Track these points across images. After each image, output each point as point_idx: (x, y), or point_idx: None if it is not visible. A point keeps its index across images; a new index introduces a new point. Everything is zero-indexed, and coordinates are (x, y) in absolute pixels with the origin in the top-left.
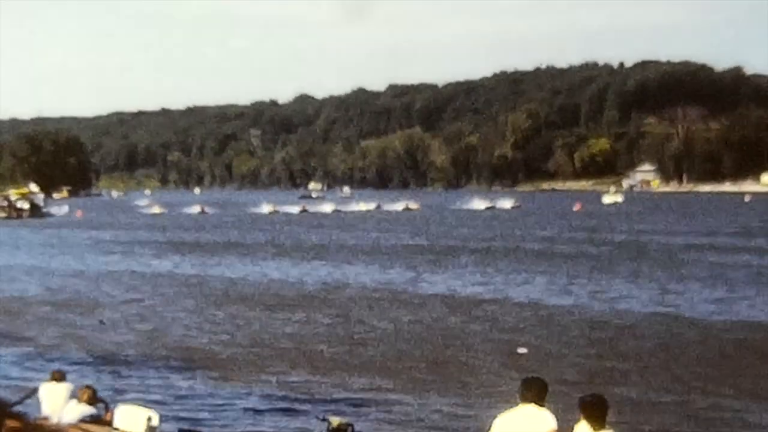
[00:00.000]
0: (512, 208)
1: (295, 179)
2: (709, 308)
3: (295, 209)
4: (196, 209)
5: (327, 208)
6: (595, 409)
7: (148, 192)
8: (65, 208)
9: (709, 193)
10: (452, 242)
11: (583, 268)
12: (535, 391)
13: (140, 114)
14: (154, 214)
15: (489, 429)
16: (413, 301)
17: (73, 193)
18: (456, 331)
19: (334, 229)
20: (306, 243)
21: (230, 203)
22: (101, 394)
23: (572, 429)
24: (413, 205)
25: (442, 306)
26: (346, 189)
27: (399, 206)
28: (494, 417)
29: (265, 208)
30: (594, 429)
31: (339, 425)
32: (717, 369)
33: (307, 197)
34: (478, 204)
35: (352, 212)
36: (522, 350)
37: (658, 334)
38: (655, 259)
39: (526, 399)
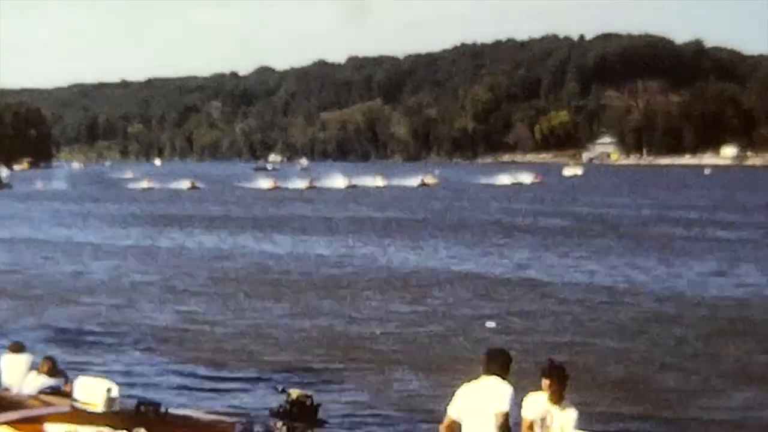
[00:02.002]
0: (532, 183)
1: (255, 151)
2: (665, 281)
3: (301, 184)
4: (185, 184)
5: (339, 183)
6: (557, 375)
7: (108, 163)
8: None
9: (669, 165)
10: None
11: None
12: (498, 364)
13: (101, 86)
14: (144, 189)
15: (451, 400)
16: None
17: (33, 165)
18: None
19: (355, 205)
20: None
21: (217, 177)
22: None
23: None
24: (430, 180)
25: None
26: (303, 161)
27: (414, 181)
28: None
29: (264, 183)
30: (552, 401)
31: (299, 397)
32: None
33: (262, 169)
34: (504, 179)
35: (366, 188)
36: (490, 324)
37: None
38: (620, 232)
39: (488, 371)
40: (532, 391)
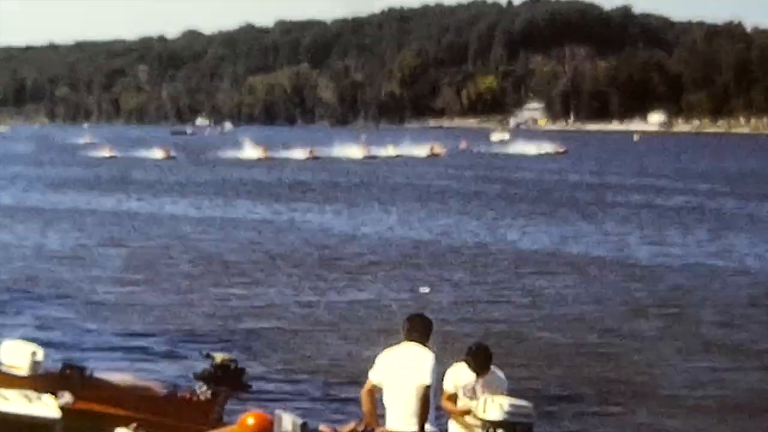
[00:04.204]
0: (557, 153)
1: (182, 115)
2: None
3: (301, 154)
4: (158, 153)
5: (355, 152)
6: (478, 355)
7: (85, 126)
8: None
9: (597, 131)
10: None
11: None
12: (419, 331)
13: (28, 49)
14: (104, 158)
15: (372, 365)
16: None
17: None
18: None
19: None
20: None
21: (189, 145)
22: None
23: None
24: (438, 149)
25: None
26: (228, 124)
27: (422, 151)
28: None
29: (253, 152)
30: (478, 374)
31: (223, 361)
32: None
33: (180, 133)
34: (528, 148)
35: (381, 159)
36: (424, 290)
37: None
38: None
39: (409, 337)
40: (455, 362)
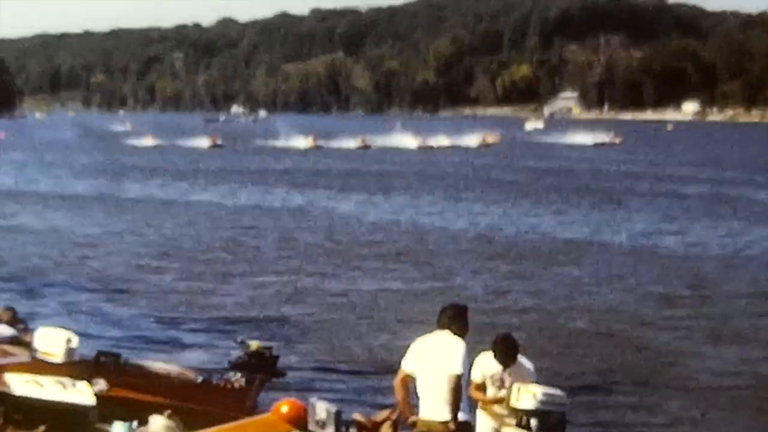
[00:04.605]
0: (613, 143)
1: (217, 102)
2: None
3: (351, 143)
4: (204, 142)
5: (410, 142)
6: (504, 347)
7: (122, 113)
8: None
9: (630, 121)
10: None
11: None
12: (451, 318)
13: (64, 36)
14: (149, 148)
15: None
16: None
17: None
18: None
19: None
20: None
21: (235, 133)
22: None
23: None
24: (491, 138)
25: None
26: (262, 112)
27: (473, 140)
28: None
29: (302, 142)
30: (505, 365)
31: (257, 348)
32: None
33: (213, 121)
34: (584, 138)
35: (437, 149)
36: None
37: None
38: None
39: (442, 325)
40: (483, 350)
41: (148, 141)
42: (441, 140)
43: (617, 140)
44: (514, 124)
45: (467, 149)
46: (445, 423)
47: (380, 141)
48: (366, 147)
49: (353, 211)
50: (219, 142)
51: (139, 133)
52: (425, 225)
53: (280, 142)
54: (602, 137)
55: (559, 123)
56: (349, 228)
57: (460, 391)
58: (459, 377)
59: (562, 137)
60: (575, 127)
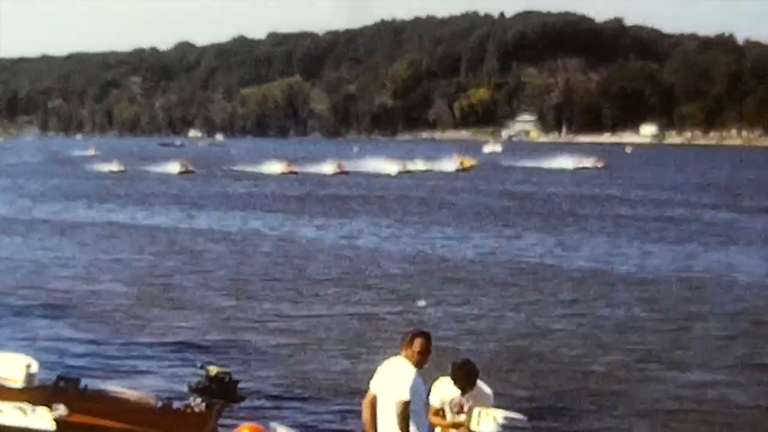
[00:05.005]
0: (596, 167)
1: (175, 126)
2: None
3: (329, 169)
4: (174, 168)
5: (390, 167)
6: (463, 372)
7: (79, 137)
8: None
9: (589, 143)
10: None
11: None
12: (408, 346)
13: (21, 60)
14: (113, 173)
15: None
16: None
17: None
18: None
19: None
20: None
21: (205, 158)
22: None
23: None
24: (468, 162)
25: None
26: (219, 136)
27: (451, 165)
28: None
29: (275, 167)
30: (464, 390)
31: (217, 373)
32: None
33: (169, 145)
34: (565, 162)
35: (418, 173)
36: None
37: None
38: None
39: (402, 351)
40: (441, 376)
41: (113, 166)
42: (418, 164)
43: (599, 164)
44: (472, 148)
45: (447, 174)
46: None
47: (357, 166)
48: (343, 173)
49: (319, 236)
50: (190, 167)
51: (102, 157)
52: (389, 249)
53: (252, 168)
54: (583, 162)
55: (517, 146)
56: (312, 253)
57: (406, 417)
58: (405, 404)
59: (542, 161)
60: (551, 150)
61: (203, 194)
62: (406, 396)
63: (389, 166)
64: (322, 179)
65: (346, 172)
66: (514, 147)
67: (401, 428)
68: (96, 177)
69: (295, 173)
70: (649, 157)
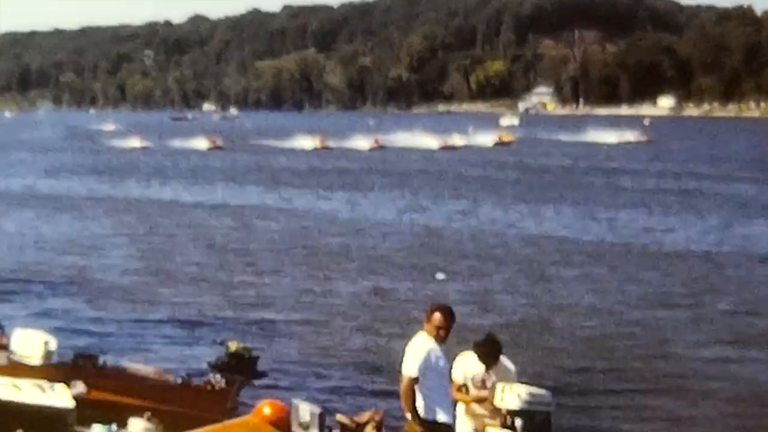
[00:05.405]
0: (639, 142)
1: (188, 100)
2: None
3: (365, 144)
4: (201, 143)
5: (431, 142)
6: (488, 347)
7: (92, 111)
8: None
9: (606, 116)
10: None
11: None
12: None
13: (33, 34)
14: (135, 149)
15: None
16: None
17: None
18: None
19: None
20: None
21: (234, 133)
22: None
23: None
24: (507, 137)
25: None
26: (233, 110)
27: (488, 139)
28: None
29: (307, 142)
30: (487, 365)
31: (237, 349)
32: None
33: (180, 119)
34: (609, 136)
35: (470, 147)
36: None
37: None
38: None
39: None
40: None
41: (135, 142)
42: (456, 139)
43: (643, 138)
44: (488, 120)
45: (488, 148)
46: (409, 422)
47: (394, 141)
48: (380, 147)
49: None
50: (219, 143)
51: (123, 133)
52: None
53: (282, 143)
54: (626, 136)
55: (534, 118)
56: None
57: (408, 393)
58: (409, 380)
59: (581, 135)
60: (590, 123)
61: (247, 170)
62: (410, 371)
63: (429, 141)
64: (358, 155)
65: (384, 147)
66: (532, 120)
67: (404, 404)
68: (120, 153)
69: (330, 149)
70: (690, 128)
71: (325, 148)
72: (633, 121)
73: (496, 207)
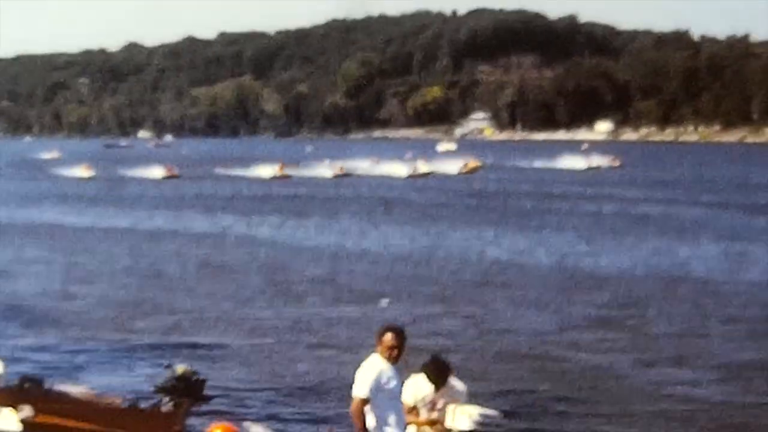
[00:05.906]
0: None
1: (125, 127)
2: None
3: (327, 172)
4: (157, 172)
5: (399, 170)
6: (436, 368)
7: (28, 139)
8: None
9: (544, 141)
10: None
11: None
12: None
13: None
14: (85, 179)
15: None
16: None
17: None
18: None
19: None
20: None
21: (192, 160)
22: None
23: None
24: (473, 163)
25: None
26: (168, 137)
27: (454, 166)
28: None
29: (266, 170)
30: (436, 386)
31: (184, 372)
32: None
33: (114, 146)
34: (573, 162)
35: (442, 174)
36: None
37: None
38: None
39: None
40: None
41: (82, 171)
42: (421, 166)
43: (614, 164)
44: (426, 146)
45: (452, 176)
46: None
47: (357, 168)
48: (345, 175)
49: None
50: (176, 171)
51: (67, 161)
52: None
53: (240, 172)
54: (595, 161)
55: (471, 144)
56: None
57: (357, 414)
58: (358, 400)
59: (550, 162)
60: (558, 150)
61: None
62: (360, 392)
63: (396, 168)
64: (320, 183)
65: (348, 175)
66: (468, 145)
67: (354, 424)
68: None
69: (289, 177)
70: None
71: (284, 176)
72: (572, 146)
73: (457, 232)
